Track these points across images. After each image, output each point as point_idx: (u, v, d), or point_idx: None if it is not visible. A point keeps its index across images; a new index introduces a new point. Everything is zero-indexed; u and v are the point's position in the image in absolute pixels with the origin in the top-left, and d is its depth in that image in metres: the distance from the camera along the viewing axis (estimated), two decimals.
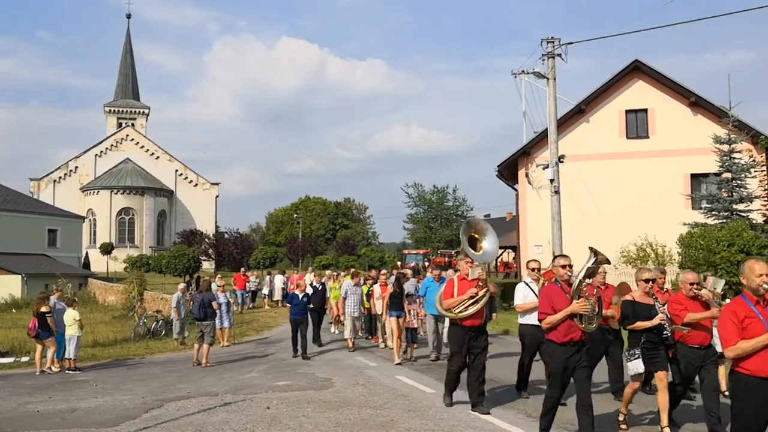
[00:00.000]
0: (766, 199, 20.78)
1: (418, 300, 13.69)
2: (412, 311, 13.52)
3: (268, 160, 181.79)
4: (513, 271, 48.03)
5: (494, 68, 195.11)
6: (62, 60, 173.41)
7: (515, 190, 30.07)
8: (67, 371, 14.19)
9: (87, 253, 59.79)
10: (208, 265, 55.48)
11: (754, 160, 21.51)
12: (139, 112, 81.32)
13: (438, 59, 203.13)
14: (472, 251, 8.53)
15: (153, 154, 78.00)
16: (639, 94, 26.79)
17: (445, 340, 13.85)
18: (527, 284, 9.37)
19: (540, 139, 26.16)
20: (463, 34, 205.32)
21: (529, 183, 27.11)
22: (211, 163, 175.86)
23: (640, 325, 7.12)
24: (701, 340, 7.12)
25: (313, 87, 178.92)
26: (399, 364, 12.59)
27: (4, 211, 47.83)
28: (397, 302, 13.33)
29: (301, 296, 15.07)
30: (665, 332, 7.11)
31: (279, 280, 29.62)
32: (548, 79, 20.57)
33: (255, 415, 8.49)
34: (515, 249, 40.48)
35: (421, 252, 51.11)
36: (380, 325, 15.89)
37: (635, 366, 7.20)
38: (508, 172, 29.74)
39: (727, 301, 6.97)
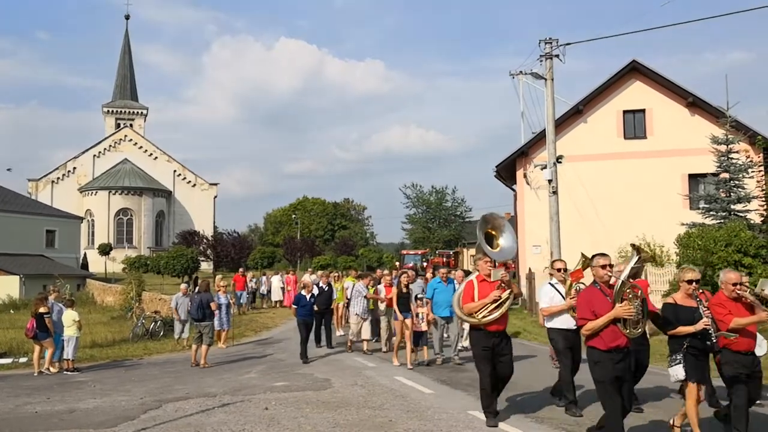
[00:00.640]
0: (763, 199, 20.77)
1: (425, 302, 13.03)
2: (420, 313, 12.89)
3: (266, 161, 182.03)
4: (511, 271, 48.05)
5: (492, 69, 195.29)
6: (61, 60, 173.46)
7: (513, 190, 30.11)
8: (65, 372, 14.17)
9: (85, 254, 59.77)
10: (206, 266, 55.46)
11: (751, 161, 21.51)
12: (138, 112, 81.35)
13: (436, 60, 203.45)
14: (490, 249, 7.94)
15: (151, 154, 78.02)
16: (637, 94, 26.81)
17: (461, 344, 13.52)
18: (553, 285, 8.73)
19: (538, 140, 26.18)
20: (460, 34, 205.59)
21: (528, 183, 27.13)
22: (210, 163, 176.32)
23: (683, 330, 6.57)
24: (747, 345, 6.61)
25: (312, 87, 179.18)
26: (410, 368, 12.15)
27: (3, 211, 47.75)
28: (404, 303, 12.85)
29: (308, 297, 14.72)
30: (711, 338, 6.49)
31: (276, 280, 29.60)
32: (546, 79, 20.59)
33: (253, 416, 8.49)
34: None
35: (420, 252, 51.16)
36: (383, 327, 15.21)
37: (676, 372, 6.65)
38: (507, 172, 29.76)
39: None
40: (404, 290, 12.93)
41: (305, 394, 10.01)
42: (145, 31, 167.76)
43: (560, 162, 20.81)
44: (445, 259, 47.51)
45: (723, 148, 20.90)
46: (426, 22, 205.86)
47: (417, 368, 12.35)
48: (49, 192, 72.76)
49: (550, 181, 20.55)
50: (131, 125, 79.63)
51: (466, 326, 14.15)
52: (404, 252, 54.11)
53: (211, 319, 14.77)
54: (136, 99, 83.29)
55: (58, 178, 74.62)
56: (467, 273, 15.56)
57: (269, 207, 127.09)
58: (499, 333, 7.70)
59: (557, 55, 20.43)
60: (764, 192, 20.86)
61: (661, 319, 6.82)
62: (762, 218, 20.27)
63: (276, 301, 29.17)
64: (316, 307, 15.22)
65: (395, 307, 12.96)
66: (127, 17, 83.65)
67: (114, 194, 72.45)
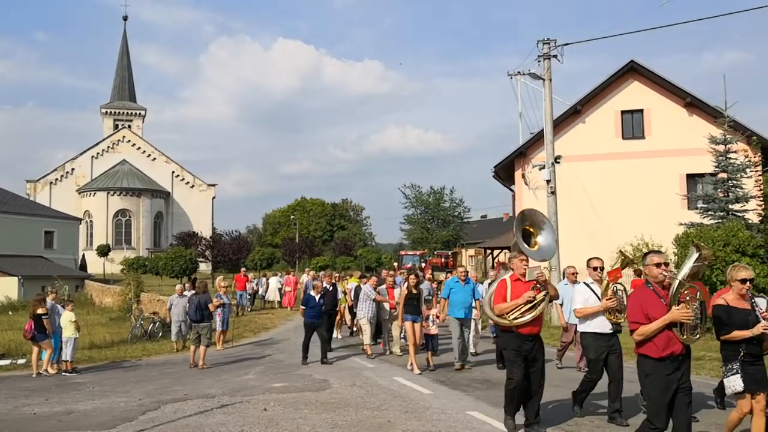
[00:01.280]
0: (761, 199, 20.81)
1: (439, 303, 12.47)
2: (430, 316, 12.38)
3: (264, 161, 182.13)
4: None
5: (490, 69, 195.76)
6: (59, 62, 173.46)
7: (512, 190, 30.11)
8: (63, 373, 14.16)
9: (83, 255, 59.76)
10: (204, 267, 55.43)
11: (749, 161, 21.53)
12: (136, 113, 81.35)
13: (433, 60, 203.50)
14: (527, 247, 7.43)
15: (149, 155, 78.02)
16: (635, 94, 26.83)
17: (471, 348, 13.36)
18: (588, 285, 8.13)
19: (536, 140, 26.19)
20: (458, 35, 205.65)
21: (526, 184, 27.13)
22: (208, 164, 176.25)
23: (738, 334, 6.04)
24: None
25: (310, 88, 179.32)
26: (419, 373, 11.58)
27: (1, 213, 47.73)
28: (413, 305, 12.10)
29: (317, 298, 14.10)
30: None
31: (274, 281, 29.59)
32: (544, 80, 20.62)
33: (252, 417, 8.48)
34: (512, 250, 40.43)
35: (418, 253, 51.13)
36: (387, 330, 14.79)
37: (733, 383, 6.07)
38: (505, 172, 29.77)
39: None
40: (413, 291, 12.17)
41: (304, 394, 10.00)
42: (143, 32, 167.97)
43: (558, 162, 20.84)
44: (443, 260, 47.53)
45: (721, 148, 20.92)
46: (424, 22, 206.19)
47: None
48: (47, 193, 72.74)
49: (548, 181, 20.58)
50: (129, 126, 79.64)
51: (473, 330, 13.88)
52: (402, 252, 54.10)
53: (210, 321, 14.75)
54: (134, 100, 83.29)
55: (57, 179, 74.59)
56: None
57: (267, 208, 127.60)
58: (532, 336, 7.19)
59: (555, 56, 20.48)
60: (762, 192, 20.91)
61: (713, 322, 6.27)
62: (760, 218, 20.30)
63: (271, 302, 29.13)
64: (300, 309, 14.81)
65: (401, 310, 12.26)
66: (125, 18, 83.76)
67: (112, 195, 72.44)
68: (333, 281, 16.21)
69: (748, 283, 6.19)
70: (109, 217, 72.06)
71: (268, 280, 30.19)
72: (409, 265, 41.26)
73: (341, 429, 7.77)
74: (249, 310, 27.82)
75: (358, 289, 16.25)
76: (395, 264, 44.21)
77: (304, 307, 14.24)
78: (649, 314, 5.62)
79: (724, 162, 20.86)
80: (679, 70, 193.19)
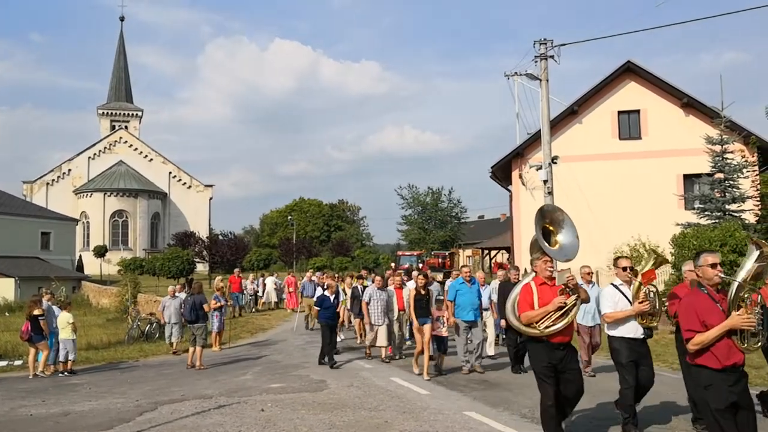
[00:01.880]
0: (758, 199, 20.85)
1: (447, 305, 11.89)
2: (441, 318, 11.76)
3: (261, 162, 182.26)
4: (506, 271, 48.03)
5: (487, 70, 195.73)
6: (55, 62, 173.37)
7: (509, 191, 30.12)
8: (58, 374, 14.13)
9: (80, 256, 59.70)
10: (202, 268, 55.39)
11: (746, 161, 21.57)
12: (133, 114, 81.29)
13: (431, 60, 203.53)
14: (548, 246, 6.88)
15: (146, 156, 77.95)
16: (631, 95, 26.88)
17: (485, 352, 12.81)
18: (617, 287, 7.48)
19: (533, 141, 26.21)
20: (455, 35, 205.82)
21: (523, 184, 27.14)
22: (205, 165, 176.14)
23: None
24: None
25: (307, 88, 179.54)
26: (427, 379, 11.09)
27: None
28: (422, 307, 11.63)
29: (332, 298, 13.83)
30: None
31: (270, 282, 29.56)
32: (541, 80, 20.61)
33: (249, 418, 8.48)
34: (509, 250, 40.55)
35: (415, 253, 51.10)
36: (395, 333, 14.08)
37: None
38: (502, 173, 29.79)
39: None
40: (422, 292, 11.72)
41: (301, 395, 10.00)
42: (140, 32, 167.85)
43: (555, 163, 20.82)
44: (440, 260, 47.53)
45: (718, 148, 20.96)
46: (421, 23, 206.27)
47: (413, 369, 12.31)
48: (44, 194, 72.62)
49: (545, 181, 20.55)
50: (126, 127, 79.56)
51: (490, 333, 13.58)
52: (400, 253, 54.07)
53: (205, 321, 14.70)
54: (131, 101, 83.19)
55: (53, 180, 74.49)
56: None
57: (265, 208, 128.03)
58: (563, 345, 6.56)
59: (552, 56, 20.44)
60: (759, 192, 20.95)
61: None
62: (756, 218, 20.35)
63: (268, 303, 29.07)
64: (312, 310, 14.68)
65: (412, 311, 11.77)
66: (122, 19, 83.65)
67: (109, 196, 72.36)
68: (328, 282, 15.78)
69: None
70: (106, 218, 71.97)
71: (264, 280, 30.16)
72: (406, 266, 41.23)
73: (338, 429, 7.77)
74: (252, 310, 27.77)
75: (355, 290, 16.02)
76: (392, 264, 44.12)
77: (318, 309, 13.90)
78: (706, 321, 5.11)
79: (721, 162, 20.89)
80: (675, 71, 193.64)
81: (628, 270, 7.44)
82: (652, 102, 26.56)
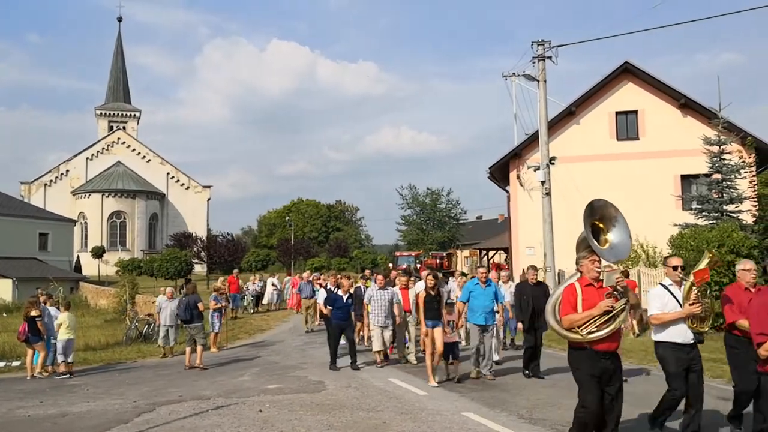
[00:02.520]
0: (755, 199, 20.87)
1: (457, 308, 11.36)
2: (452, 321, 11.09)
3: (259, 163, 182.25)
4: (506, 272, 48.02)
5: (485, 70, 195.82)
6: (53, 63, 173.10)
7: (507, 191, 30.13)
8: (54, 376, 14.07)
9: (78, 257, 59.65)
10: (200, 268, 55.36)
11: (744, 161, 21.61)
12: (131, 115, 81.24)
13: (429, 61, 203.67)
14: (597, 245, 6.22)
15: (144, 157, 77.91)
16: (629, 95, 26.91)
17: (495, 356, 12.33)
18: (666, 287, 6.89)
19: (531, 141, 26.24)
20: (453, 36, 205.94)
21: (521, 185, 27.19)
22: (203, 165, 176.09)
23: None
24: None
25: (304, 89, 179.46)
26: (436, 386, 10.47)
27: None
28: (433, 309, 10.91)
29: (345, 298, 13.11)
30: None
31: (269, 282, 29.53)
32: (539, 81, 20.65)
33: (247, 419, 8.48)
34: (507, 251, 40.58)
35: (413, 254, 51.11)
36: (401, 336, 13.55)
37: None
38: (500, 173, 29.81)
39: None
40: (432, 293, 11.00)
41: (299, 396, 10.00)
42: (138, 33, 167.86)
43: (553, 163, 20.87)
44: (438, 261, 47.52)
45: (715, 149, 20.99)
46: (419, 24, 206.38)
47: (411, 370, 12.29)
48: (41, 195, 72.56)
49: (543, 182, 20.60)
50: (124, 128, 79.50)
51: (496, 337, 12.81)
52: (397, 253, 54.08)
53: (200, 321, 14.67)
54: (129, 101, 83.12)
55: (51, 180, 74.42)
56: (463, 275, 15.10)
57: (263, 209, 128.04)
58: (609, 354, 5.94)
59: (550, 57, 20.51)
60: (756, 193, 20.97)
61: None
62: (754, 219, 20.36)
63: (266, 304, 29.05)
64: (324, 310, 13.88)
65: (421, 314, 11.09)
66: (120, 20, 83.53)
67: (107, 197, 72.30)
68: (337, 282, 15.20)
69: None
70: (104, 219, 71.92)
71: (267, 281, 30.11)
72: (404, 266, 41.24)
73: (336, 430, 7.78)
74: (252, 311, 27.77)
75: (358, 291, 14.97)
76: (390, 265, 44.12)
77: (331, 308, 13.14)
78: None
79: (719, 163, 20.93)
80: (673, 71, 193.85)
81: (680, 269, 6.90)
82: (650, 103, 26.59)
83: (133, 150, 77.75)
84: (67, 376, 14.08)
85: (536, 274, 11.88)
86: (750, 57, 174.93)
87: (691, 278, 6.64)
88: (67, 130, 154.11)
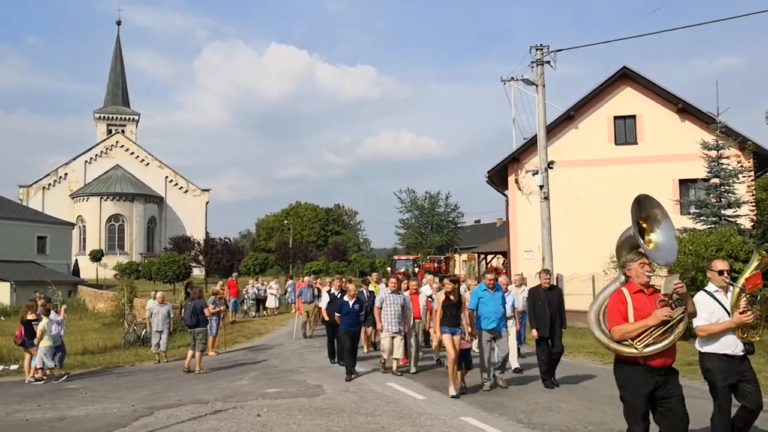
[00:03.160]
0: (753, 204, 20.91)
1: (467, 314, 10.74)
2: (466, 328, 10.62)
3: (258, 166, 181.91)
4: (501, 275, 48.10)
5: (483, 74, 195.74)
6: (51, 66, 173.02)
7: (505, 195, 30.15)
8: (54, 380, 14.04)
9: (76, 260, 59.54)
10: (198, 272, 55.35)
11: (742, 166, 21.65)
12: (129, 118, 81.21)
13: (427, 65, 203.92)
14: (644, 245, 5.60)
15: (143, 160, 77.88)
16: (627, 100, 26.94)
17: (510, 364, 11.90)
18: (711, 294, 6.17)
19: (529, 146, 26.26)
20: (452, 39, 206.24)
21: (519, 189, 27.20)
22: (202, 169, 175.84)
23: None
24: None
25: (303, 93, 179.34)
26: (455, 396, 9.86)
27: None
28: (451, 315, 10.30)
29: (352, 303, 12.68)
30: None
31: (273, 286, 29.54)
32: (537, 85, 20.69)
33: (245, 423, 8.48)
34: (505, 255, 40.60)
35: (411, 258, 51.18)
36: (411, 344, 12.94)
37: None
38: (498, 177, 29.83)
39: None
40: (451, 298, 10.42)
41: (297, 400, 10.00)
42: (136, 36, 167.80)
43: (551, 168, 20.90)
44: (436, 265, 47.61)
45: (713, 153, 21.04)
46: (417, 27, 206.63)
47: (409, 375, 12.30)
48: (40, 198, 72.48)
49: (541, 186, 20.62)
50: (123, 131, 79.48)
51: (512, 344, 12.34)
52: (396, 257, 54.20)
53: (205, 325, 14.77)
54: (128, 105, 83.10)
55: (50, 184, 74.35)
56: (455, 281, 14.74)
57: (261, 212, 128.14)
58: (665, 369, 5.29)
59: (548, 62, 20.55)
60: (754, 197, 21.03)
61: None
62: (752, 223, 20.40)
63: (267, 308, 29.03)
64: (326, 317, 13.93)
65: (437, 320, 10.45)
66: (119, 23, 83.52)
67: (105, 200, 72.25)
68: (342, 287, 14.47)
69: None
70: (103, 222, 71.85)
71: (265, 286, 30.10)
72: (402, 270, 41.28)
73: None
74: (253, 315, 27.78)
75: (361, 295, 14.19)
76: (388, 269, 44.16)
77: (338, 315, 12.83)
78: None
79: (717, 167, 20.98)
80: (670, 76, 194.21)
81: (726, 274, 6.19)
82: (648, 107, 26.63)
83: (132, 153, 77.71)
84: (64, 377, 14.07)
85: (549, 278, 11.30)
86: (748, 61, 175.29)
87: (741, 283, 5.98)
88: (66, 134, 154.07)
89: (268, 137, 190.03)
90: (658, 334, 5.16)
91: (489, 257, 52.17)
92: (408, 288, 13.59)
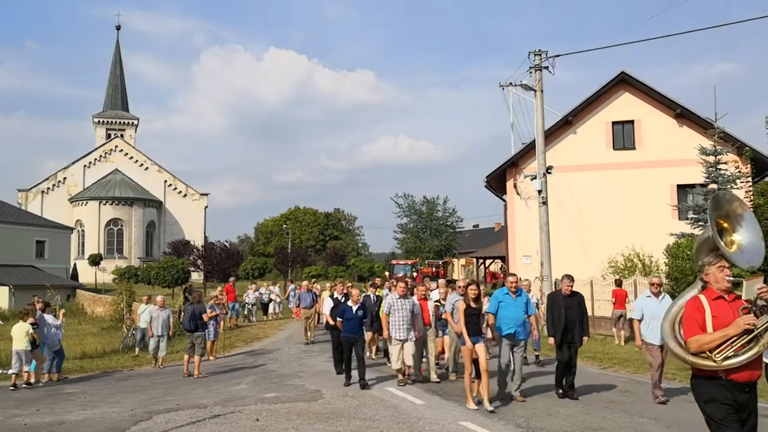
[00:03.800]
0: (751, 210, 20.96)
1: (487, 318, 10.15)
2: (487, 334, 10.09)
3: (256, 171, 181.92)
4: (500, 281, 48.15)
5: (482, 79, 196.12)
6: (50, 70, 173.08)
7: (504, 200, 30.22)
8: (11, 387, 13.79)
9: (75, 265, 59.51)
10: (197, 276, 55.31)
11: (739, 171, 21.71)
12: (128, 123, 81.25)
13: (425, 70, 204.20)
14: (725, 247, 5.00)
15: (142, 164, 77.90)
16: (625, 105, 27.01)
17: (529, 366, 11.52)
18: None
19: (528, 150, 26.31)
20: (449, 45, 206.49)
21: (518, 194, 27.24)
22: (200, 173, 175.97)
23: None
24: None
25: (302, 98, 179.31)
26: (476, 408, 9.36)
27: None
28: (473, 323, 9.67)
29: (355, 309, 12.12)
30: None
31: (275, 291, 29.59)
32: (536, 91, 20.74)
33: (244, 428, 8.48)
34: (504, 259, 40.64)
35: (409, 262, 51.21)
36: (418, 352, 12.33)
37: None
38: (497, 182, 29.88)
39: None
40: (473, 305, 9.75)
41: (296, 405, 10.01)
42: (135, 41, 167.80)
43: (550, 173, 20.95)
44: (434, 269, 47.64)
45: (711, 159, 21.10)
46: (416, 33, 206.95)
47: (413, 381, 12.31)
48: (39, 202, 72.47)
49: (539, 191, 20.67)
50: (122, 135, 79.50)
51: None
52: (394, 262, 54.21)
53: (204, 330, 14.78)
54: (127, 109, 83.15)
55: (48, 188, 74.35)
56: (450, 282, 14.59)
57: (260, 217, 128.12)
58: (749, 386, 4.65)
59: (546, 67, 20.63)
60: (752, 203, 21.07)
61: None
62: None
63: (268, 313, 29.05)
64: (331, 321, 13.54)
65: (463, 328, 9.65)
66: (119, 28, 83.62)
67: (104, 204, 72.22)
68: (345, 291, 14.22)
69: None
70: (101, 227, 71.81)
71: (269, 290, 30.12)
72: (400, 275, 41.30)
73: None
74: (253, 320, 27.79)
75: (367, 299, 13.71)
76: (387, 273, 44.16)
77: (341, 320, 12.29)
78: None
79: (715, 173, 21.03)
80: (669, 81, 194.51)
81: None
82: (646, 112, 26.69)
83: (131, 158, 77.74)
84: (28, 386, 13.86)
85: (572, 284, 10.59)
86: (747, 67, 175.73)
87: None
88: (65, 138, 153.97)
89: (266, 142, 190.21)
90: (739, 345, 4.54)
91: (487, 262, 52.24)
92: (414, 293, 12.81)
